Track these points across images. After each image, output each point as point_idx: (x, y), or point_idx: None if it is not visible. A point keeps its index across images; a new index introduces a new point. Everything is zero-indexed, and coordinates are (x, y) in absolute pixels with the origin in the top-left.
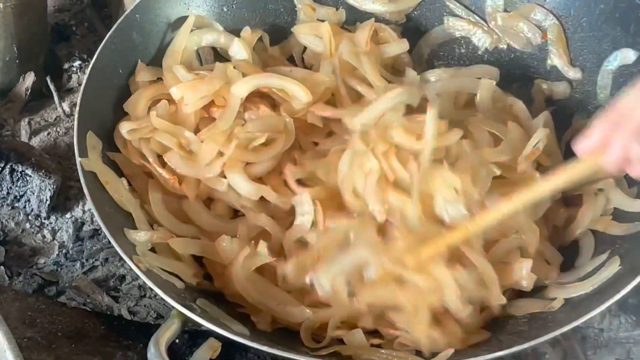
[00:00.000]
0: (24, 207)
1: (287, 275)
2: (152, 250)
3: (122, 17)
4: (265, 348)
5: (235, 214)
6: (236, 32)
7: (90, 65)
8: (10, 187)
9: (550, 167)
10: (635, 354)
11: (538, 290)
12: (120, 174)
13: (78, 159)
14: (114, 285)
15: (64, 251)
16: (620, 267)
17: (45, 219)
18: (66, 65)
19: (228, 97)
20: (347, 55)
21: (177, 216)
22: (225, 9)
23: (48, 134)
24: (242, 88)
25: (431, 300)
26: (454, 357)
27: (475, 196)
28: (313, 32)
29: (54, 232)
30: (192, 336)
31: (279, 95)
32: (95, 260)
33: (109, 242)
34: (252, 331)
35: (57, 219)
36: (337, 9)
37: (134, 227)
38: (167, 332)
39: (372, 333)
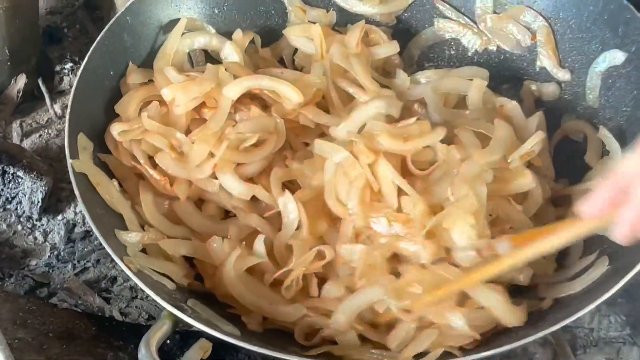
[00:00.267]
0: (16, 209)
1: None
2: (143, 251)
3: (113, 19)
4: (255, 348)
5: (227, 214)
6: (227, 34)
7: (81, 67)
8: (2, 189)
9: (540, 167)
10: (624, 353)
11: (527, 290)
12: (111, 175)
13: (69, 161)
14: (106, 287)
15: (55, 253)
16: (608, 267)
17: (36, 220)
18: (58, 68)
19: (219, 99)
20: (338, 58)
21: (168, 217)
22: (216, 11)
23: (40, 136)
24: (233, 90)
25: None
26: (444, 357)
27: (486, 231)
28: (304, 34)
29: (45, 234)
30: (183, 337)
31: (270, 96)
32: (87, 261)
33: (101, 244)
34: (243, 331)
35: (48, 220)
36: (327, 11)
37: (125, 229)
38: (158, 333)
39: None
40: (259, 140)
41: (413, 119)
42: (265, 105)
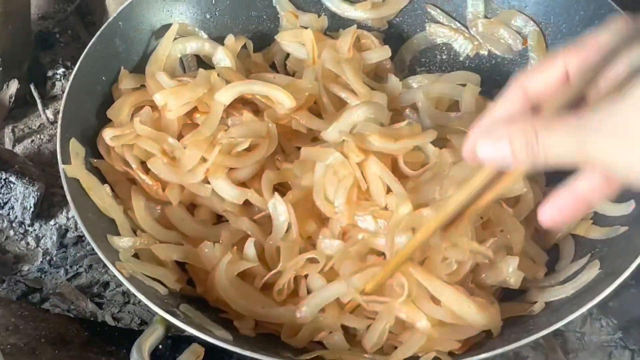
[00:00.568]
0: (8, 214)
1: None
2: (136, 256)
3: (105, 24)
4: (248, 353)
5: (219, 219)
6: (219, 39)
7: (73, 73)
8: None
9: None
10: (616, 357)
11: (519, 294)
12: (103, 180)
13: (61, 166)
14: (98, 292)
15: (47, 258)
16: (600, 270)
17: (29, 226)
18: (50, 73)
19: (211, 104)
20: (330, 63)
21: (160, 222)
22: (208, 16)
23: (32, 141)
24: (225, 95)
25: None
26: None
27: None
28: (296, 39)
29: (37, 239)
30: (175, 342)
31: (262, 101)
32: (79, 266)
33: (93, 249)
34: (235, 336)
35: (41, 225)
36: (319, 16)
37: (117, 234)
38: (150, 338)
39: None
40: (251, 144)
41: (404, 122)
42: (257, 110)
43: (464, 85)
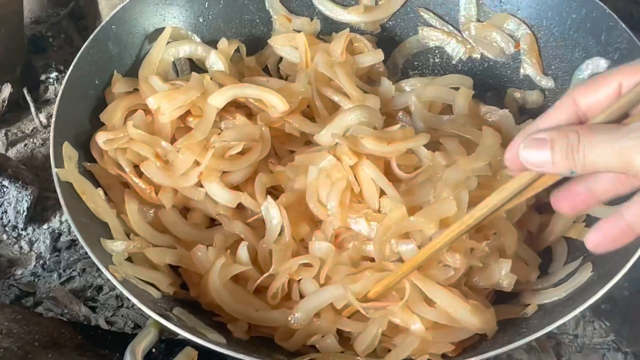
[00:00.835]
0: (1, 218)
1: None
2: (129, 260)
3: (98, 28)
4: (241, 356)
5: (212, 223)
6: (212, 43)
7: (66, 76)
8: None
9: None
10: (609, 359)
11: (512, 297)
12: (96, 184)
13: (54, 170)
14: (92, 296)
15: (41, 262)
16: (592, 273)
17: (22, 230)
18: (43, 77)
19: (204, 107)
20: (322, 67)
21: (154, 226)
22: (201, 20)
23: (25, 145)
24: (218, 98)
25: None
26: None
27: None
28: (289, 43)
29: (31, 243)
30: (169, 345)
31: (256, 104)
32: (73, 270)
33: (86, 253)
34: (229, 339)
35: (34, 230)
36: (312, 20)
37: (111, 237)
38: (144, 341)
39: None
40: (245, 148)
41: (397, 126)
42: (250, 114)
43: (457, 88)
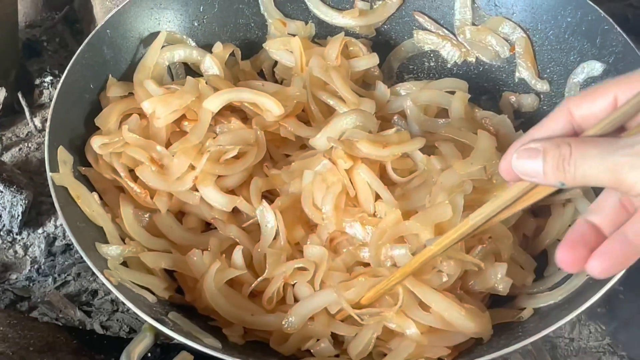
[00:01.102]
0: None
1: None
2: (124, 264)
3: (93, 33)
4: None
5: (207, 227)
6: (207, 47)
7: (61, 81)
8: None
9: None
10: None
11: (507, 301)
12: (91, 188)
13: (49, 174)
14: (87, 300)
15: (35, 266)
16: (588, 276)
17: (17, 234)
18: (38, 81)
19: (199, 111)
20: (318, 71)
21: (149, 230)
22: (196, 24)
23: (20, 149)
24: (213, 102)
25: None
26: None
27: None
28: (284, 47)
29: (26, 248)
30: (164, 349)
31: (251, 108)
32: (68, 275)
33: (81, 257)
34: (224, 344)
35: (29, 234)
36: (307, 23)
37: (106, 242)
38: (139, 346)
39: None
40: (240, 152)
41: (393, 130)
42: (245, 118)
43: (452, 92)
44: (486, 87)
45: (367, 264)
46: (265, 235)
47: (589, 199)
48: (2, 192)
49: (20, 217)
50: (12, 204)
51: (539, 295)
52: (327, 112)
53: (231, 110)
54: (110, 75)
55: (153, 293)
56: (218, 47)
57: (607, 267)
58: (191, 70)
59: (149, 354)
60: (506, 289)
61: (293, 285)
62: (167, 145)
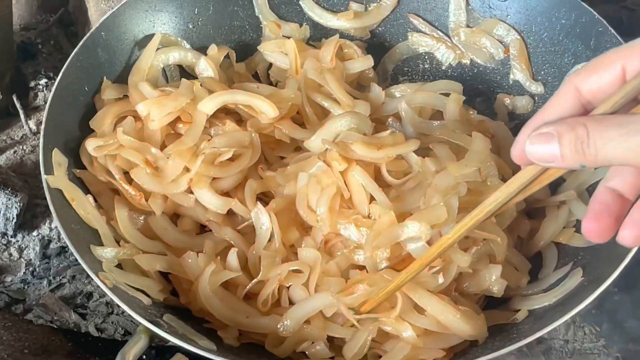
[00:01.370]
0: None
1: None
2: (119, 266)
3: (87, 35)
4: None
5: (202, 229)
6: (202, 49)
7: (56, 83)
8: None
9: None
10: None
11: (502, 302)
12: (86, 191)
13: (44, 177)
14: (82, 303)
15: (30, 269)
16: (582, 278)
17: (12, 237)
18: (32, 84)
19: (194, 114)
20: (312, 73)
21: (144, 232)
22: (190, 26)
23: (14, 152)
24: (208, 105)
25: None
26: None
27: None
28: (278, 49)
29: (20, 250)
30: (159, 352)
31: (246, 111)
32: (63, 277)
33: (76, 260)
34: (219, 346)
35: (23, 236)
36: (301, 26)
37: (101, 244)
38: (134, 348)
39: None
40: (235, 154)
41: (387, 132)
42: (240, 120)
43: (447, 94)
44: (481, 89)
45: (361, 267)
46: (260, 238)
47: (583, 201)
48: None
49: (15, 220)
50: (6, 206)
51: (534, 296)
52: (321, 114)
53: (226, 112)
54: (105, 78)
55: (148, 295)
56: (213, 49)
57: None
58: (186, 72)
59: (144, 356)
60: (501, 290)
61: (288, 287)
62: (162, 147)
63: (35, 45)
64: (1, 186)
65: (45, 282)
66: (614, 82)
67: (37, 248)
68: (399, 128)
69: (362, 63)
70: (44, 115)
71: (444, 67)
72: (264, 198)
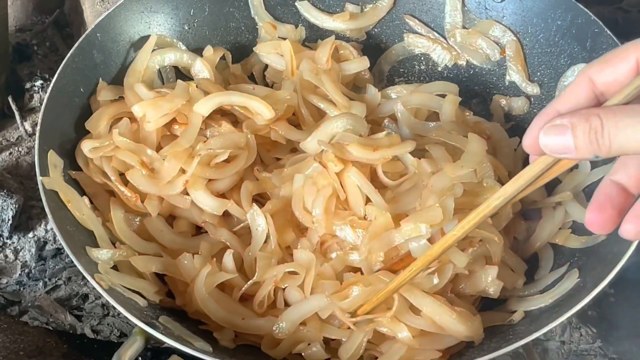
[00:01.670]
0: None
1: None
2: (115, 268)
3: (83, 36)
4: None
5: (198, 231)
6: (198, 50)
7: (51, 85)
8: None
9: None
10: None
11: (498, 304)
12: (82, 192)
13: (39, 178)
14: (77, 304)
15: (26, 271)
16: (579, 279)
17: (7, 238)
18: (28, 85)
19: (190, 115)
20: (308, 74)
21: (139, 234)
22: (186, 27)
23: (10, 153)
24: (204, 106)
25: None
26: None
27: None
28: (274, 51)
29: (16, 252)
30: (155, 353)
31: (241, 112)
32: (58, 279)
33: (72, 261)
34: (215, 348)
35: (19, 238)
36: (297, 27)
37: (96, 246)
38: (130, 350)
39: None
40: (231, 156)
41: (383, 133)
42: (236, 121)
43: (443, 95)
44: (477, 90)
45: (357, 269)
46: (256, 239)
47: (579, 202)
48: None
49: (10, 222)
50: (2, 208)
51: (530, 298)
52: (317, 115)
53: (222, 113)
54: (100, 79)
55: (144, 297)
56: (209, 50)
57: None
58: (182, 73)
59: (140, 358)
60: (497, 291)
61: (284, 289)
62: (158, 149)
63: (30, 46)
64: None
65: (40, 283)
66: (629, 74)
67: (33, 250)
68: (395, 129)
69: (358, 64)
70: (39, 117)
71: (440, 68)
72: (260, 199)
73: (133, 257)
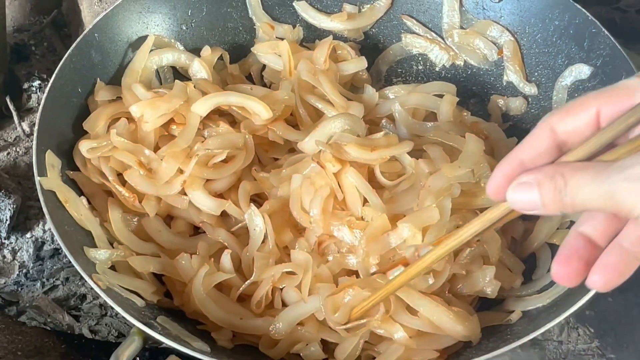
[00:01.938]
0: None
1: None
2: (112, 268)
3: (80, 37)
4: None
5: (196, 231)
6: (195, 51)
7: (49, 85)
8: None
9: None
10: None
11: (496, 303)
12: (79, 192)
13: (37, 178)
14: (75, 305)
15: (24, 271)
16: None
17: (5, 239)
18: (26, 85)
19: (188, 115)
20: (306, 75)
21: (137, 234)
22: (184, 28)
23: (8, 153)
24: (202, 106)
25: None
26: None
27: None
28: (272, 51)
29: (14, 252)
30: (153, 354)
31: (239, 112)
32: (56, 279)
33: (70, 261)
34: (213, 348)
35: (17, 238)
36: (295, 27)
37: (94, 246)
38: (128, 350)
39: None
40: (228, 156)
41: (381, 133)
42: (234, 122)
43: (440, 95)
44: (474, 90)
45: (353, 272)
46: (254, 239)
47: None
48: None
49: (8, 222)
50: (0, 208)
51: (528, 298)
52: (315, 115)
53: (219, 114)
54: (98, 79)
55: (141, 297)
56: (206, 50)
57: (609, 280)
58: (179, 74)
59: (138, 358)
60: (494, 291)
61: (281, 289)
62: (156, 149)
63: (28, 46)
64: None
65: (38, 284)
66: (589, 124)
67: (31, 250)
68: (393, 129)
69: (355, 64)
70: (37, 117)
71: (437, 69)
72: (258, 199)
73: (131, 257)
